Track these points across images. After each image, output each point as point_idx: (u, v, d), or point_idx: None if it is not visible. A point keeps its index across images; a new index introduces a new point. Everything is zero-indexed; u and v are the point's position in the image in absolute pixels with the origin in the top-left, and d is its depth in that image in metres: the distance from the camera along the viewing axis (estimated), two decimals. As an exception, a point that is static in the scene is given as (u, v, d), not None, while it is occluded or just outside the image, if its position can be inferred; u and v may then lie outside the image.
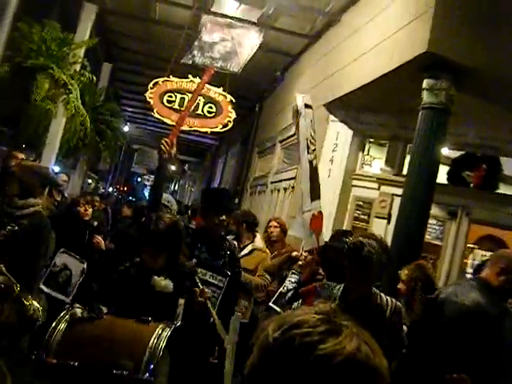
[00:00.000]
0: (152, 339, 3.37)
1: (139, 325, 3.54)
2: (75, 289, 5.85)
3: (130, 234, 6.95)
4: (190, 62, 5.45)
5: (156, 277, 3.96)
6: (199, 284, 4.22)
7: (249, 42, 5.73)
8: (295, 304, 4.49)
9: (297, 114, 5.09)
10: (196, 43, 5.58)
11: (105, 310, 3.69)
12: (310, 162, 5.04)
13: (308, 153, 5.02)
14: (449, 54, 5.95)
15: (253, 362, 1.23)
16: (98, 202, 10.78)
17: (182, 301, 3.98)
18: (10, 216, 4.38)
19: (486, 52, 6.03)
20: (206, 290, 4.35)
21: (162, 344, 3.36)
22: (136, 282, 3.97)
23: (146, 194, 40.46)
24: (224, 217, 4.89)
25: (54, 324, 3.47)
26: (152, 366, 3.25)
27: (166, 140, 4.84)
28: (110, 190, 32.11)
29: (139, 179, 42.04)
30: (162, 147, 4.80)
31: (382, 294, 4.02)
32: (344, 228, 8.31)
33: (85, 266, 5.90)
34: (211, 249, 4.87)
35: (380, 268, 3.75)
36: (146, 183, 40.34)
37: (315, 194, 5.07)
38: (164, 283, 3.96)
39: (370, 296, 3.81)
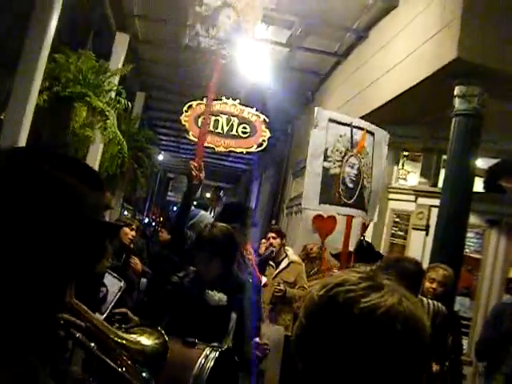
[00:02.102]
0: (196, 367, 3.31)
1: (185, 347, 3.46)
2: (111, 306, 5.91)
3: (165, 255, 7.06)
4: (196, 43, 5.44)
5: (209, 291, 3.95)
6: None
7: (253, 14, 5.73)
8: None
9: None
10: (196, 9, 5.54)
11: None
12: (326, 169, 5.25)
13: (325, 160, 5.26)
14: (478, 59, 5.98)
15: (300, 322, 1.29)
16: (138, 225, 10.98)
17: (234, 315, 3.99)
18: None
19: (518, 55, 6.04)
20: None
21: (209, 366, 3.31)
22: (189, 296, 3.97)
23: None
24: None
25: None
26: None
27: (194, 164, 4.71)
28: (147, 220, 32.33)
29: (175, 208, 42.32)
30: (192, 172, 4.66)
31: (424, 299, 4.03)
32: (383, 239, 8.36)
33: (122, 285, 5.96)
34: None
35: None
36: (182, 212, 40.53)
37: (327, 199, 5.27)
38: (218, 297, 3.94)
39: None
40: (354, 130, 5.33)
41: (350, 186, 5.31)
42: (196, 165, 4.72)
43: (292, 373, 1.27)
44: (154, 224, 31.27)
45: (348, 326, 1.19)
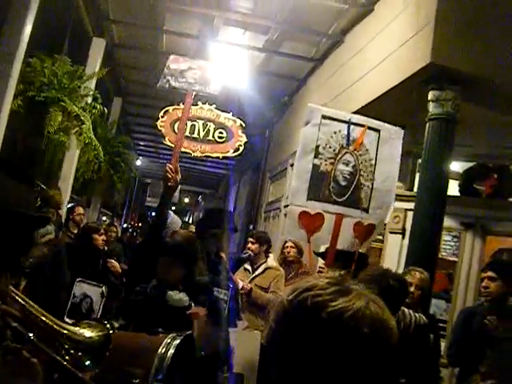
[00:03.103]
0: (161, 347, 3.33)
1: (149, 336, 3.54)
2: (99, 313, 5.91)
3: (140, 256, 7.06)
4: (167, 86, 5.49)
5: (170, 292, 4.01)
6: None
7: (214, 73, 5.84)
8: None
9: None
10: (166, 70, 5.63)
11: (116, 324, 3.72)
12: (316, 166, 5.17)
13: (316, 157, 5.18)
14: (452, 64, 6.05)
15: (270, 327, 1.30)
16: (115, 232, 10.91)
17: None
18: (32, 244, 4.40)
19: (491, 60, 6.11)
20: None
21: (171, 351, 3.32)
22: (151, 299, 4.01)
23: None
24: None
25: None
26: (161, 375, 3.28)
27: (170, 167, 4.72)
28: (125, 225, 32.20)
29: (153, 213, 42.19)
30: (168, 174, 4.68)
31: (405, 309, 4.04)
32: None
33: (103, 289, 5.96)
34: (210, 264, 4.92)
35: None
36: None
37: (315, 196, 5.18)
38: (178, 297, 4.00)
39: None
40: (352, 126, 5.21)
41: (343, 183, 5.20)
42: (172, 167, 4.73)
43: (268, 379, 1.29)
44: (131, 230, 31.16)
45: (316, 329, 1.21)
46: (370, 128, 5.22)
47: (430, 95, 6.32)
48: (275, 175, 14.52)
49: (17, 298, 1.61)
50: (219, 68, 5.98)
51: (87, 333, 2.00)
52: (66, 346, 1.83)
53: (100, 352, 2.08)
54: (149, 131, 18.42)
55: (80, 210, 8.51)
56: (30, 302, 1.72)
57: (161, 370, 3.20)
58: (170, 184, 4.72)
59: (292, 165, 12.18)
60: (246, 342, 5.43)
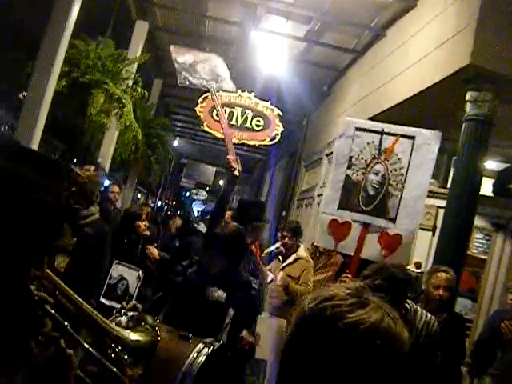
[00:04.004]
0: (190, 358, 3.42)
1: (179, 341, 3.59)
2: (134, 297, 6.00)
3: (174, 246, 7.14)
4: (187, 82, 5.62)
5: (211, 287, 4.09)
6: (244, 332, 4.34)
7: (219, 64, 5.95)
8: None
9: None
10: (176, 65, 5.75)
11: (150, 320, 3.81)
12: (348, 176, 5.33)
13: (349, 168, 5.34)
14: (491, 65, 6.03)
15: (290, 331, 1.42)
16: (148, 212, 11.09)
17: (231, 311, 4.12)
18: (74, 225, 4.48)
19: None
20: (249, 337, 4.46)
21: (198, 365, 3.40)
22: (189, 288, 4.11)
23: (194, 208, 40.80)
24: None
25: None
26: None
27: (231, 158, 4.98)
28: (159, 203, 32.54)
29: (187, 193, 42.45)
30: (231, 165, 4.94)
31: (419, 309, 4.06)
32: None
33: (140, 273, 6.06)
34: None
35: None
36: (195, 197, 40.67)
37: (345, 205, 5.32)
38: (217, 294, 4.08)
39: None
40: (385, 136, 5.27)
41: (371, 193, 5.27)
42: (233, 157, 4.99)
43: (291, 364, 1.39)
44: (166, 208, 31.48)
45: (332, 338, 1.31)
46: (403, 136, 5.23)
47: (468, 96, 6.31)
48: (310, 164, 14.56)
49: (59, 286, 1.73)
50: (216, 60, 6.09)
51: (134, 336, 2.07)
52: (112, 345, 1.92)
53: (144, 356, 2.13)
54: (187, 113, 18.53)
55: (115, 188, 8.68)
56: (79, 299, 1.84)
57: (187, 379, 3.31)
58: (235, 174, 4.98)
59: (327, 155, 12.22)
60: (271, 330, 5.57)
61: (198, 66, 5.90)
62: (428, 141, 5.17)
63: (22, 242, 1.30)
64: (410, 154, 5.16)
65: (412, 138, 5.19)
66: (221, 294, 4.08)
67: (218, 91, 5.94)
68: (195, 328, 3.71)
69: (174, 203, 38.05)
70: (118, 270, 6.03)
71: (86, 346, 1.64)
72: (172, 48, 6.04)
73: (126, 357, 1.96)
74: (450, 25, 6.74)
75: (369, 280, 3.55)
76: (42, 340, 1.43)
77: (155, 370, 3.37)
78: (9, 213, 1.27)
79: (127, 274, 6.07)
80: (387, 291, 3.40)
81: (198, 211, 39.80)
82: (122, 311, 3.44)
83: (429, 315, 3.96)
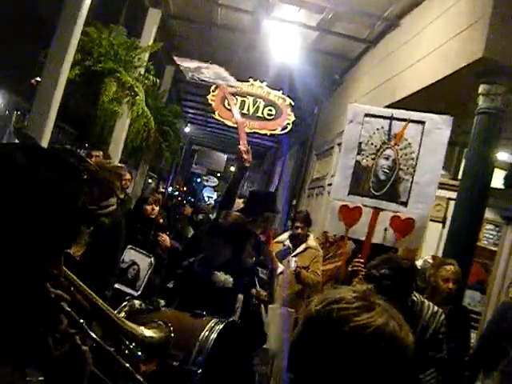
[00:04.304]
0: (203, 332, 3.47)
1: (193, 318, 3.65)
2: (144, 283, 6.07)
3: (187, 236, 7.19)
4: (197, 79, 5.72)
5: (217, 272, 4.17)
6: (257, 286, 4.41)
7: (221, 71, 6.09)
8: None
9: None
10: (182, 69, 5.87)
11: (162, 302, 3.87)
12: (358, 162, 5.35)
13: (358, 154, 5.35)
14: (505, 59, 5.99)
15: (297, 331, 1.45)
16: (158, 199, 11.14)
17: (241, 296, 4.18)
18: (91, 215, 4.50)
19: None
20: (262, 292, 4.54)
21: (213, 337, 3.45)
22: (197, 278, 4.17)
23: (205, 194, 40.96)
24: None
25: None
26: (201, 358, 3.34)
27: (243, 148, 5.06)
28: (170, 189, 32.66)
29: (199, 179, 42.57)
30: (243, 155, 5.03)
31: (426, 302, 4.08)
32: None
33: (151, 260, 6.12)
34: (256, 245, 5.08)
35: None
36: (206, 183, 40.81)
37: (356, 190, 5.33)
38: (224, 278, 4.14)
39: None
40: (394, 121, 5.26)
41: (382, 178, 5.26)
42: (244, 148, 5.05)
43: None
44: (177, 193, 31.58)
45: (339, 341, 1.35)
46: (412, 121, 5.21)
47: (481, 89, 6.28)
48: (321, 153, 14.56)
49: (76, 284, 1.77)
50: (219, 68, 6.20)
51: (148, 332, 2.10)
52: (127, 342, 1.95)
53: (158, 352, 2.17)
54: (199, 100, 18.54)
55: (127, 175, 8.72)
56: (96, 297, 1.87)
57: (202, 353, 3.35)
58: (245, 164, 5.08)
59: (339, 144, 12.21)
60: (282, 320, 5.63)
61: (203, 69, 6.00)
62: (439, 125, 5.16)
63: (39, 242, 1.34)
64: (421, 139, 5.15)
65: (422, 123, 5.18)
66: (228, 278, 4.15)
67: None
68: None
69: (185, 189, 38.18)
70: (130, 254, 6.09)
71: (101, 342, 1.68)
72: (176, 58, 6.16)
73: (139, 353, 1.99)
74: (463, 17, 6.70)
75: (375, 270, 3.59)
76: (58, 337, 1.47)
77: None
78: (27, 214, 1.31)
79: (139, 260, 6.13)
80: (393, 280, 3.51)
81: (209, 197, 40.01)
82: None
83: (435, 307, 3.99)
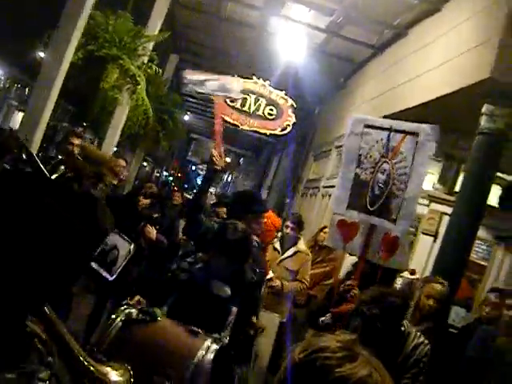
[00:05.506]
0: (200, 352, 3.44)
1: (189, 336, 3.61)
2: (119, 269, 5.99)
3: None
4: (192, 91, 5.77)
5: (216, 280, 4.09)
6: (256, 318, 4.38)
7: (231, 80, 6.13)
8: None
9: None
10: (185, 80, 5.89)
11: (159, 312, 3.82)
12: (357, 175, 5.27)
13: (358, 167, 5.28)
14: (511, 81, 5.97)
15: (279, 377, 1.43)
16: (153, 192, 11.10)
17: (235, 309, 4.13)
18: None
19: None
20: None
21: (210, 357, 3.42)
22: (194, 283, 4.10)
23: (199, 181, 41.07)
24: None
25: (109, 321, 3.64)
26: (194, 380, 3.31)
27: (215, 152, 5.07)
28: (165, 174, 32.71)
29: (194, 167, 42.65)
30: (214, 159, 5.02)
31: (413, 331, 4.05)
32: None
33: (131, 248, 6.06)
34: None
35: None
36: (200, 172, 40.89)
37: (354, 205, 5.26)
38: (222, 287, 4.07)
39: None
40: (392, 134, 5.15)
41: (377, 192, 5.18)
42: (216, 153, 5.03)
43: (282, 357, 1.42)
44: (171, 179, 31.59)
45: None
46: (409, 133, 5.06)
47: (484, 108, 6.23)
48: (319, 154, 14.54)
49: (54, 322, 1.72)
50: (231, 79, 6.18)
51: (114, 377, 2.03)
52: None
53: None
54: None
55: (121, 162, 8.69)
56: (68, 335, 1.82)
57: (195, 376, 3.32)
58: (216, 168, 5.05)
59: (337, 147, 12.18)
60: (264, 324, 5.60)
61: (209, 82, 5.99)
62: (429, 137, 4.96)
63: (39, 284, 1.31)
64: (414, 153, 4.98)
65: (416, 134, 5.02)
66: (226, 288, 4.08)
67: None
68: (199, 323, 3.74)
69: (180, 175, 38.23)
70: (113, 238, 6.03)
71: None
72: (186, 71, 6.17)
73: None
74: (474, 34, 6.66)
75: (366, 308, 3.58)
76: (24, 371, 1.45)
77: (166, 361, 3.37)
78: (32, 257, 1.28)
79: (120, 245, 6.06)
80: (383, 321, 3.49)
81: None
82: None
83: (421, 338, 3.98)
